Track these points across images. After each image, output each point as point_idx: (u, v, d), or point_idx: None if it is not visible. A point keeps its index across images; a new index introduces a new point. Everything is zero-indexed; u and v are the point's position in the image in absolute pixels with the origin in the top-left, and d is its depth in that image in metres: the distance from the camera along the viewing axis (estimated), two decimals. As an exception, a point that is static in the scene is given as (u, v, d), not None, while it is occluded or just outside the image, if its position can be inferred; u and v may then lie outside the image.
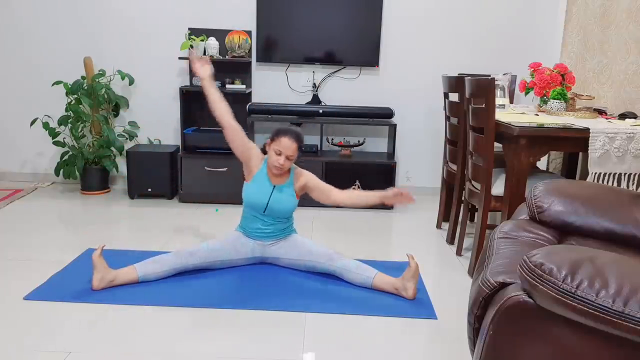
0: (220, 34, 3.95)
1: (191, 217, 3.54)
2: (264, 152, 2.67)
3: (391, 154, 4.00)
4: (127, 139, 4.06)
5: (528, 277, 1.16)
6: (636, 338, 1.05)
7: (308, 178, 2.68)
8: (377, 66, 4.06)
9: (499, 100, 3.11)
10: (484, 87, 2.55)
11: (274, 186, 2.62)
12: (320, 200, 2.68)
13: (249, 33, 3.95)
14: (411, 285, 2.39)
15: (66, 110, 3.91)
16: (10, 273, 2.55)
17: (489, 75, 3.16)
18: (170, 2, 4.01)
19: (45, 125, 3.86)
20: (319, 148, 4.12)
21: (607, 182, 2.47)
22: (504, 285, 1.28)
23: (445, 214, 3.46)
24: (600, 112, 3.05)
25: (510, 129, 2.43)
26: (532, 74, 3.16)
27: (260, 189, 2.61)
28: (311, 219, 3.57)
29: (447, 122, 3.28)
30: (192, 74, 4.05)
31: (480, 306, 1.32)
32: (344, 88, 4.15)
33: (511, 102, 3.57)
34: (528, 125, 2.45)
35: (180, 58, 3.87)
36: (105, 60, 4.09)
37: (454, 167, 3.21)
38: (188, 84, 4.09)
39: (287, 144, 2.53)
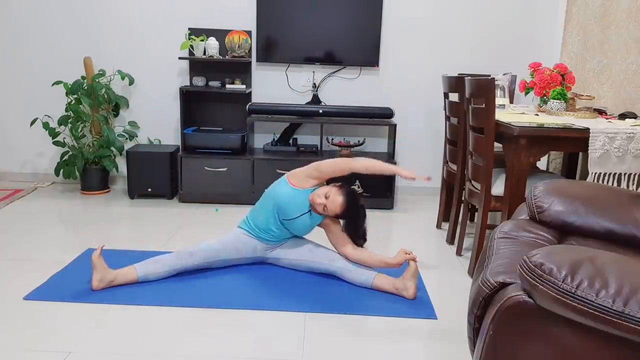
0: (220, 34, 3.95)
1: (191, 217, 3.54)
2: (328, 182, 2.64)
3: (391, 154, 4.00)
4: (127, 139, 4.06)
5: (528, 277, 1.16)
6: (636, 338, 1.05)
7: (331, 221, 2.62)
8: (377, 66, 4.06)
9: (499, 100, 3.11)
10: (484, 87, 2.55)
11: (310, 212, 2.56)
12: (331, 243, 2.64)
13: (249, 33, 3.95)
14: (411, 284, 2.39)
15: (66, 110, 3.91)
16: (10, 273, 2.55)
17: (489, 75, 3.16)
18: (170, 2, 4.01)
19: (45, 125, 3.86)
20: (319, 148, 4.12)
21: (607, 182, 2.48)
22: (504, 285, 1.28)
23: (445, 214, 3.46)
24: (600, 112, 3.05)
25: (510, 129, 2.43)
26: (532, 74, 3.16)
27: (299, 202, 2.54)
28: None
29: (447, 122, 3.28)
30: (192, 73, 4.06)
31: (480, 306, 1.32)
32: (344, 88, 4.15)
33: (511, 102, 3.57)
34: (528, 125, 2.45)
35: (180, 58, 3.87)
36: (105, 60, 4.09)
37: (454, 167, 3.21)
38: (188, 84, 4.10)
39: (337, 202, 2.48)
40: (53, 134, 3.89)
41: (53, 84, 3.92)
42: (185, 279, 2.52)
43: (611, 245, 1.63)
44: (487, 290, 1.30)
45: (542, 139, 2.45)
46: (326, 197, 2.48)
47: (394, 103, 4.16)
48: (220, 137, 3.86)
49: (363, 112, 3.89)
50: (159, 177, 3.87)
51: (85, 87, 3.91)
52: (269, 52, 4.01)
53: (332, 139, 4.12)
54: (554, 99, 3.01)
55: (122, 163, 4.14)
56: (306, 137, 4.20)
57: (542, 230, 1.66)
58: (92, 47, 4.07)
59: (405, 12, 4.05)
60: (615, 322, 1.05)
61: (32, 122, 3.90)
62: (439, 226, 3.50)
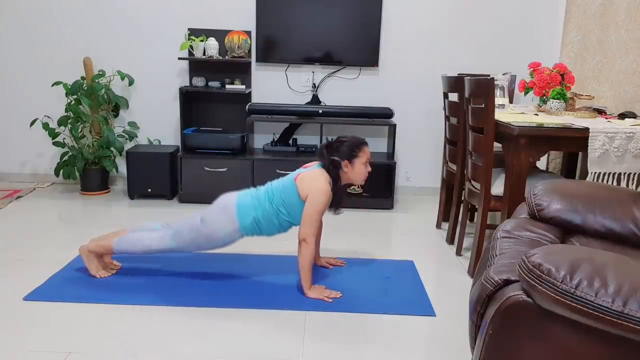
0: (220, 34, 3.95)
1: (191, 217, 3.54)
2: (334, 174, 2.46)
3: (391, 154, 4.00)
4: (126, 139, 4.06)
5: (527, 278, 1.17)
6: (636, 337, 1.05)
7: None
8: (377, 66, 4.06)
9: (498, 100, 3.11)
10: (484, 87, 2.55)
11: None
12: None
13: (248, 33, 3.95)
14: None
15: (66, 111, 3.91)
16: (10, 273, 2.55)
17: (489, 75, 3.16)
18: (170, 2, 4.02)
19: (45, 126, 3.86)
20: (318, 148, 4.11)
21: (607, 182, 2.48)
22: (508, 283, 1.28)
23: (445, 214, 3.46)
24: (600, 111, 3.05)
25: (510, 129, 2.43)
26: (532, 73, 3.16)
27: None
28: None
29: (447, 122, 3.29)
30: (191, 74, 4.06)
31: (483, 304, 1.32)
32: (344, 88, 4.15)
33: (511, 102, 3.57)
34: (528, 125, 2.45)
35: (180, 58, 3.87)
36: (104, 60, 4.09)
37: (454, 167, 3.21)
38: (188, 84, 4.10)
39: (368, 151, 2.51)
40: (53, 134, 3.89)
41: (53, 85, 3.92)
42: (185, 279, 2.52)
43: (612, 244, 1.63)
44: (491, 287, 1.30)
45: (541, 138, 2.45)
46: (367, 162, 2.49)
47: (394, 103, 4.16)
48: (220, 137, 3.86)
49: (363, 112, 3.89)
50: (159, 177, 3.87)
51: (85, 88, 3.91)
52: (269, 52, 4.01)
53: (332, 139, 4.11)
54: (554, 98, 3.01)
55: (122, 163, 4.14)
56: (306, 137, 4.20)
57: (544, 229, 1.66)
58: (91, 48, 4.07)
59: (404, 12, 4.05)
60: (614, 322, 1.05)
61: (32, 123, 3.90)
62: (438, 226, 3.50)
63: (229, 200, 2.43)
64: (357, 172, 2.48)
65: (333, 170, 2.44)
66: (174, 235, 2.44)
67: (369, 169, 2.51)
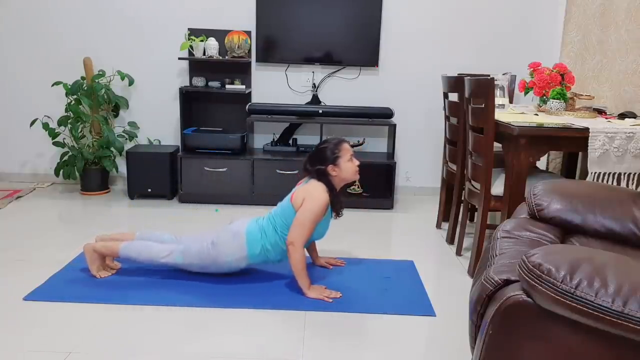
0: (219, 34, 3.95)
1: (191, 217, 3.54)
2: (326, 181, 2.45)
3: (391, 154, 4.00)
4: (127, 139, 4.06)
5: (527, 278, 1.17)
6: (636, 337, 1.05)
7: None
8: (377, 66, 4.06)
9: (498, 100, 3.11)
10: (484, 87, 2.55)
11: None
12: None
13: (248, 33, 3.95)
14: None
15: (66, 111, 3.91)
16: (10, 273, 2.55)
17: (489, 75, 3.16)
18: (170, 2, 4.01)
19: (45, 126, 3.86)
20: (318, 148, 4.12)
21: (607, 182, 2.48)
22: (508, 283, 1.28)
23: (445, 214, 3.46)
24: (600, 111, 3.05)
25: (510, 129, 2.43)
26: (532, 73, 3.16)
27: (326, 220, 2.50)
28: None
29: (447, 122, 3.29)
30: (191, 74, 4.06)
31: (483, 304, 1.32)
32: (344, 88, 4.15)
33: (511, 102, 3.57)
34: (528, 125, 2.45)
35: (180, 58, 3.87)
36: (104, 60, 4.09)
37: (454, 167, 3.21)
38: (188, 84, 4.10)
39: (349, 147, 2.49)
40: (53, 134, 3.89)
41: (53, 85, 3.92)
42: (184, 279, 2.52)
43: (612, 244, 1.63)
44: (491, 287, 1.30)
45: (541, 138, 2.45)
46: (352, 158, 2.48)
47: (394, 103, 4.16)
48: (220, 137, 3.86)
49: (363, 112, 3.89)
50: (159, 177, 3.87)
51: (85, 88, 3.91)
52: (269, 52, 4.01)
53: (332, 139, 4.11)
54: (554, 98, 3.01)
55: (122, 163, 4.14)
56: (306, 137, 4.20)
57: (544, 229, 1.66)
58: (91, 48, 4.07)
59: (404, 12, 4.05)
60: (614, 322, 1.05)
61: (32, 123, 3.90)
62: (438, 226, 3.50)
63: (240, 227, 2.45)
64: (345, 170, 2.47)
65: (323, 178, 2.44)
66: (183, 253, 2.46)
67: (357, 162, 2.50)
